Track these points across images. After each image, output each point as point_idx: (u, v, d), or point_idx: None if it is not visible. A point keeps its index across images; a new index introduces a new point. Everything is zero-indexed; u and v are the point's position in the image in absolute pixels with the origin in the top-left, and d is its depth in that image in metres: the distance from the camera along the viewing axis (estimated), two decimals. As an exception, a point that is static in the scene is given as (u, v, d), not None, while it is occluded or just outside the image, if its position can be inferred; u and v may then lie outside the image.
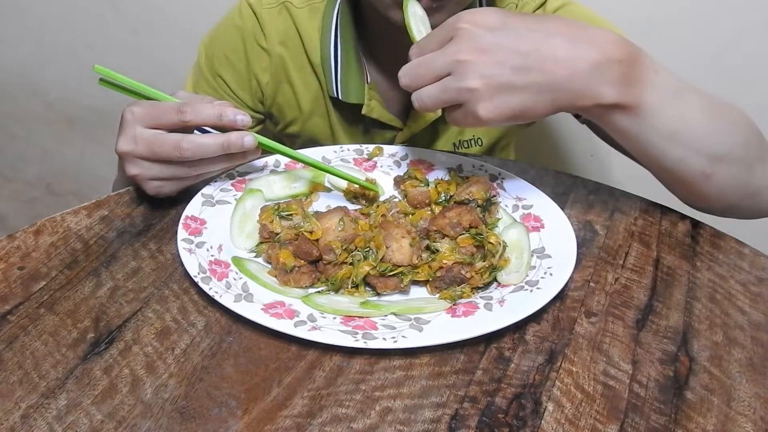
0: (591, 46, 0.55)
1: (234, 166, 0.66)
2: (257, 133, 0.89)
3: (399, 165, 0.74)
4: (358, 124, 0.88)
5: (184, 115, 0.59)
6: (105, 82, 0.62)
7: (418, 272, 0.58)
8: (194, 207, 0.64)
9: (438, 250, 0.59)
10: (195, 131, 0.61)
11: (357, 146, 0.76)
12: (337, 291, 0.58)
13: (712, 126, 0.60)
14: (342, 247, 0.58)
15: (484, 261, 0.58)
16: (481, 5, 0.82)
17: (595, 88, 0.56)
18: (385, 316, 0.54)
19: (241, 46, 0.85)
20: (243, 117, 0.61)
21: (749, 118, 0.65)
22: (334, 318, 0.53)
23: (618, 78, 0.56)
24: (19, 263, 0.59)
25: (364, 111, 0.84)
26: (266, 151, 0.66)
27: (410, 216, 0.65)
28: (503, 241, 0.60)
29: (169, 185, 0.63)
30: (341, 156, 0.74)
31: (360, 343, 0.50)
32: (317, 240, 0.59)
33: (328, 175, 0.71)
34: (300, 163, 0.72)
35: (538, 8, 0.82)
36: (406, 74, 0.59)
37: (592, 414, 0.47)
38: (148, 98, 0.62)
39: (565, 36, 0.55)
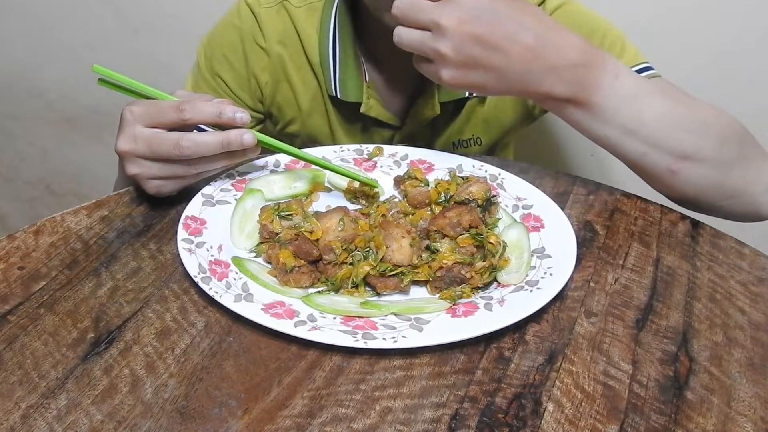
0: (553, 48, 0.60)
1: (234, 164, 0.66)
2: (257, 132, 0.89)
3: (399, 165, 0.74)
4: (357, 123, 0.88)
5: (183, 113, 0.59)
6: (104, 81, 0.62)
7: (418, 272, 0.58)
8: (194, 207, 0.64)
9: (438, 250, 0.59)
10: (194, 130, 0.61)
11: (357, 146, 0.76)
12: (337, 291, 0.58)
13: (673, 126, 0.64)
14: (342, 247, 0.58)
15: (484, 261, 0.58)
16: None
17: (547, 85, 0.61)
18: (385, 316, 0.54)
19: (240, 46, 0.85)
20: (242, 114, 0.61)
21: (731, 120, 0.67)
22: (334, 318, 0.53)
23: (571, 80, 0.61)
24: (19, 263, 0.59)
25: (362, 110, 0.84)
26: (266, 150, 0.66)
27: (410, 216, 0.65)
28: (503, 241, 0.60)
29: (169, 184, 0.63)
30: (341, 156, 0.74)
31: (360, 343, 0.50)
32: (317, 240, 0.59)
33: (328, 174, 0.71)
34: (300, 163, 0.72)
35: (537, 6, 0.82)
36: (398, 7, 0.61)
37: (592, 414, 0.47)
38: (147, 97, 0.62)
39: (534, 33, 0.60)
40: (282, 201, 0.66)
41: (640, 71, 0.79)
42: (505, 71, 0.60)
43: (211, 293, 0.54)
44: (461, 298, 0.56)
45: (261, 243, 0.62)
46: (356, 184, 0.69)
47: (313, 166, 0.70)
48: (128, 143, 0.60)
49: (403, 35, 0.62)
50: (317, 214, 0.62)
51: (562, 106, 0.64)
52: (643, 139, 0.63)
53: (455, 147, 0.89)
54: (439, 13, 0.59)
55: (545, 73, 0.61)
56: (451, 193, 0.66)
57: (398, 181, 0.71)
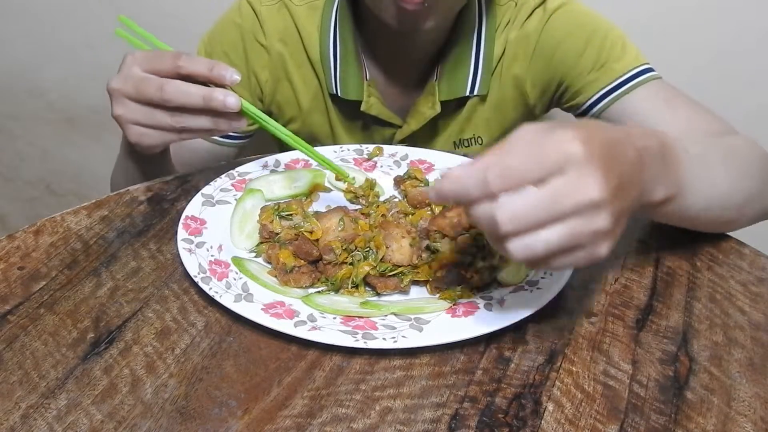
0: (645, 150, 0.49)
1: (217, 130, 0.63)
2: (254, 131, 0.89)
3: (399, 165, 0.74)
4: (358, 121, 0.88)
5: (179, 60, 0.59)
6: (122, 33, 0.62)
7: (418, 272, 0.58)
8: (194, 207, 0.64)
9: (438, 250, 0.59)
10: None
11: (357, 146, 0.76)
12: (337, 291, 0.58)
13: (737, 181, 0.62)
14: (342, 247, 0.58)
15: (484, 261, 0.58)
16: (479, 6, 0.82)
17: (651, 193, 0.51)
18: (385, 316, 0.54)
19: (240, 44, 0.85)
20: (233, 75, 0.60)
21: (755, 146, 0.66)
22: (334, 318, 0.53)
23: (665, 175, 0.52)
24: (19, 263, 0.59)
25: (363, 108, 0.84)
26: (263, 148, 0.65)
27: (410, 216, 0.65)
28: (503, 241, 0.60)
29: (151, 134, 0.63)
30: (341, 156, 0.74)
31: (360, 343, 0.50)
32: (317, 240, 0.59)
33: (328, 174, 0.71)
34: (300, 163, 0.72)
35: (537, 6, 0.82)
36: (512, 219, 0.42)
37: (592, 414, 0.47)
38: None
39: (628, 142, 0.48)
40: (282, 201, 0.66)
41: (641, 73, 0.79)
42: (631, 201, 0.48)
43: (211, 293, 0.54)
44: (461, 298, 0.56)
45: (261, 243, 0.62)
46: (356, 185, 0.69)
47: (314, 165, 0.70)
48: (119, 82, 0.61)
49: (536, 244, 0.43)
50: (317, 214, 0.62)
51: (656, 208, 0.54)
52: (717, 203, 0.59)
53: (456, 146, 0.89)
54: (577, 191, 0.42)
55: (648, 182, 0.50)
56: (451, 193, 0.66)
57: (398, 181, 0.71)
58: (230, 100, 0.60)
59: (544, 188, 0.42)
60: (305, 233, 0.59)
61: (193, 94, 0.59)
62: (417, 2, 0.69)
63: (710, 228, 0.63)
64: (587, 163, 0.43)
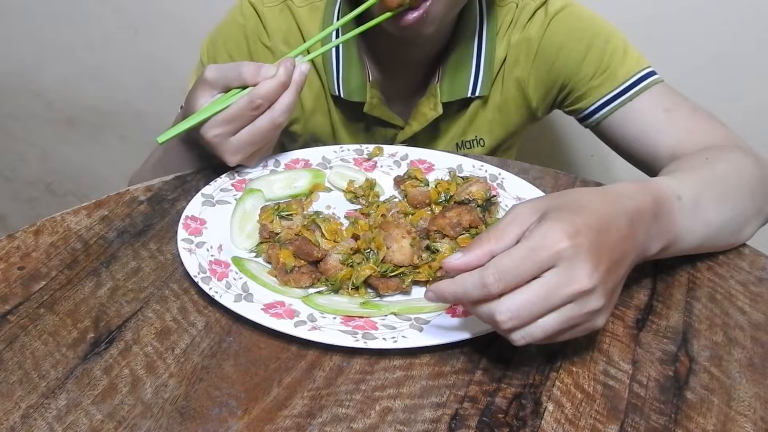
0: (637, 215, 0.52)
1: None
2: None
3: (399, 165, 0.74)
4: (360, 122, 0.88)
5: (260, 108, 0.63)
6: (166, 138, 0.64)
7: (418, 272, 0.58)
8: (194, 207, 0.64)
9: (438, 250, 0.59)
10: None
11: (357, 146, 0.76)
12: (336, 291, 0.58)
13: (729, 213, 0.62)
14: (344, 256, 0.58)
15: (484, 261, 0.58)
16: (480, 7, 0.82)
17: (646, 251, 0.54)
18: (385, 316, 0.54)
19: (244, 44, 0.85)
20: (287, 64, 0.64)
21: (747, 164, 0.66)
22: (334, 318, 0.53)
23: (659, 232, 0.54)
24: (19, 263, 0.59)
25: (365, 109, 0.84)
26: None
27: (410, 216, 0.65)
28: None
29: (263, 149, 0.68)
30: (341, 156, 0.74)
31: (360, 343, 0.50)
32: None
33: (328, 174, 0.71)
34: (300, 163, 0.72)
35: (538, 8, 0.82)
36: (512, 317, 0.46)
37: (592, 414, 0.47)
38: (210, 117, 0.64)
39: (618, 213, 0.51)
40: (282, 201, 0.66)
41: (643, 78, 0.79)
42: (625, 270, 0.51)
43: (211, 293, 0.54)
44: (461, 298, 0.56)
45: (261, 243, 0.62)
46: (356, 184, 0.69)
47: (314, 166, 0.70)
48: (237, 156, 0.65)
49: (535, 331, 0.46)
50: (325, 220, 0.61)
51: (651, 258, 0.57)
52: (714, 235, 0.61)
53: (458, 148, 0.89)
54: (569, 283, 0.46)
55: (642, 242, 0.53)
56: (451, 193, 0.66)
57: (398, 181, 0.71)
58: (305, 67, 0.65)
59: (537, 284, 0.46)
60: (306, 234, 0.59)
61: (290, 96, 0.64)
62: (415, 18, 0.70)
63: (709, 251, 0.64)
64: (575, 256, 0.46)
